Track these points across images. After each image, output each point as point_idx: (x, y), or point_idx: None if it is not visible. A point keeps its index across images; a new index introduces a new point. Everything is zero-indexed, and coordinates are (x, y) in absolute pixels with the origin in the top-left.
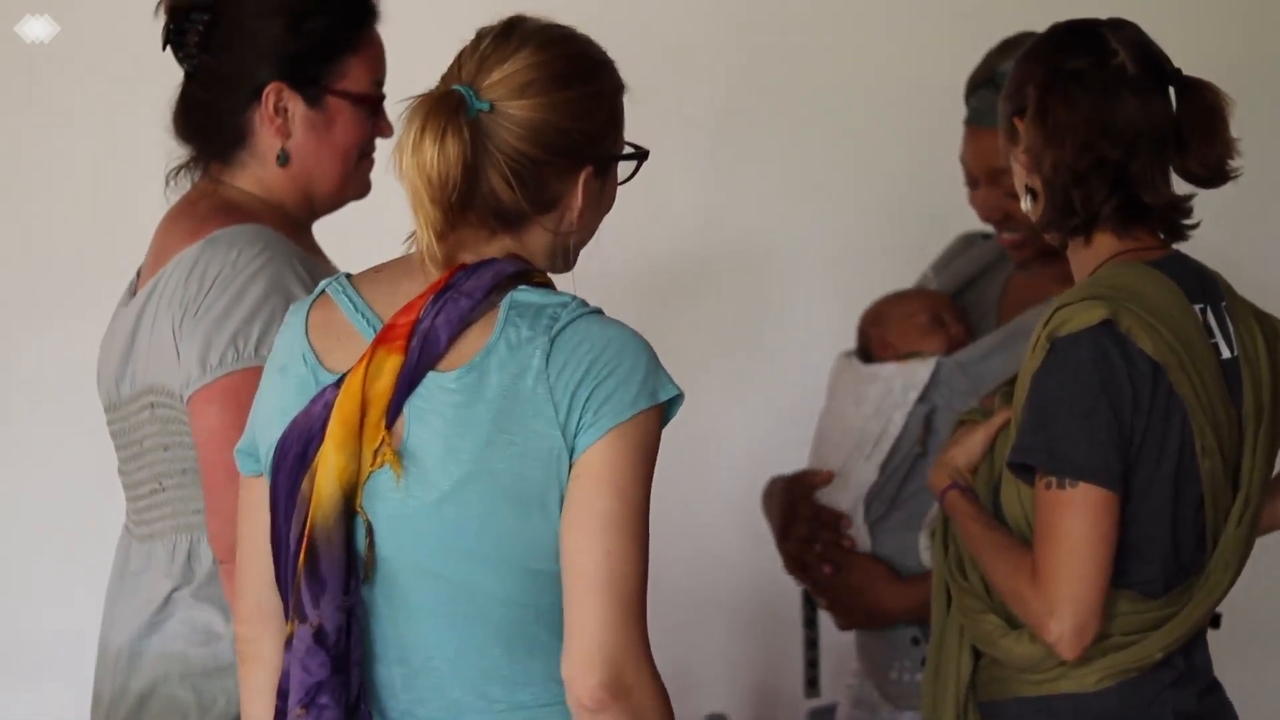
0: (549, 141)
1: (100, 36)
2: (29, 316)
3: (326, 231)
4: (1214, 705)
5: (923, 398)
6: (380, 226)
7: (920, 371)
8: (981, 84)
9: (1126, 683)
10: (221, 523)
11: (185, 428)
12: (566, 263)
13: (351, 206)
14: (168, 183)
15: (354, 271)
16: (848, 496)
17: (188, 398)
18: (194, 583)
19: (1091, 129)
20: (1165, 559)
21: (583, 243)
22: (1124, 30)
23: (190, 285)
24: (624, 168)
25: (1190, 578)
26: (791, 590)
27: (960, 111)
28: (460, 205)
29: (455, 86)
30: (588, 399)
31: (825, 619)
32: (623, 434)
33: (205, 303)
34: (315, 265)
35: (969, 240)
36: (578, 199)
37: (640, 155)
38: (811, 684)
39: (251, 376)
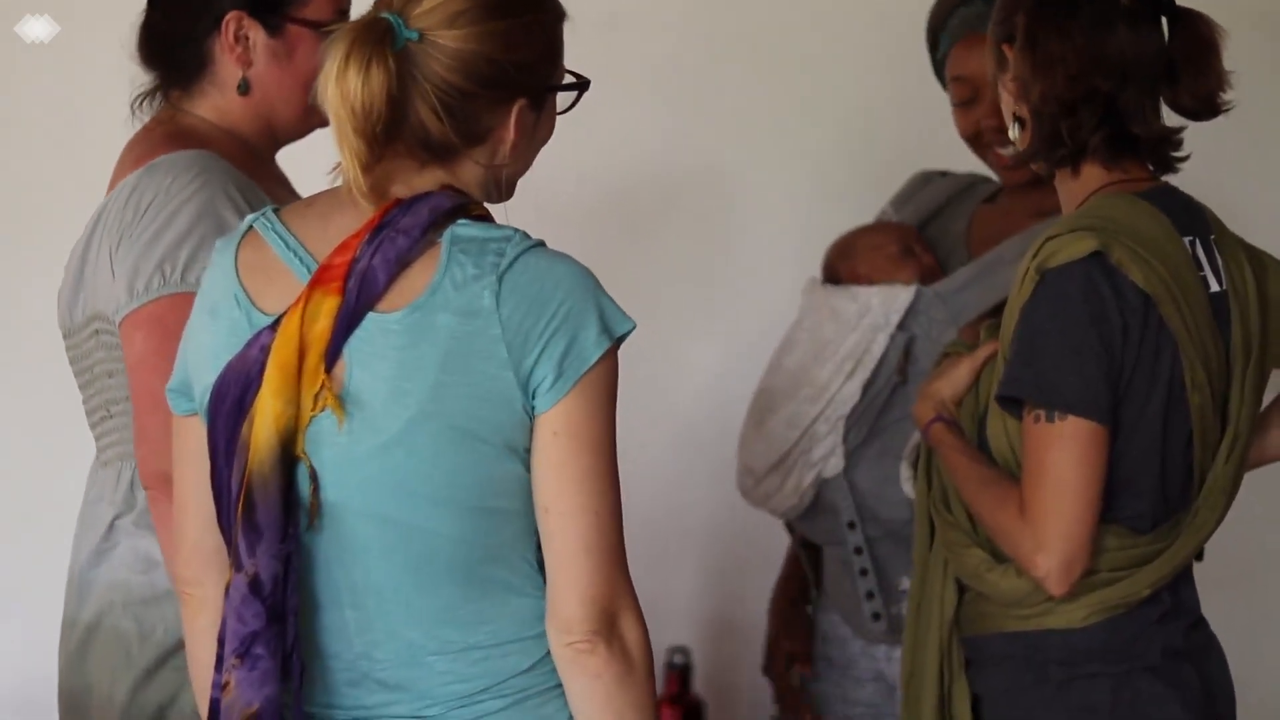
0: (480, 73)
1: (101, 37)
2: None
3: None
4: (1200, 641)
5: (902, 326)
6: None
7: (901, 296)
8: (966, 2)
9: (1114, 618)
10: (148, 448)
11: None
12: (500, 193)
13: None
14: (133, 111)
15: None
16: (830, 413)
17: (118, 323)
18: (135, 510)
19: (1083, 59)
20: (1154, 494)
21: (517, 174)
22: None
23: (127, 211)
24: (564, 98)
25: (1178, 513)
26: (753, 524)
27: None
28: (386, 136)
29: (384, 14)
30: (545, 346)
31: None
32: (590, 383)
33: (138, 229)
34: (263, 193)
35: (927, 178)
36: (510, 131)
37: (580, 85)
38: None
39: (180, 302)
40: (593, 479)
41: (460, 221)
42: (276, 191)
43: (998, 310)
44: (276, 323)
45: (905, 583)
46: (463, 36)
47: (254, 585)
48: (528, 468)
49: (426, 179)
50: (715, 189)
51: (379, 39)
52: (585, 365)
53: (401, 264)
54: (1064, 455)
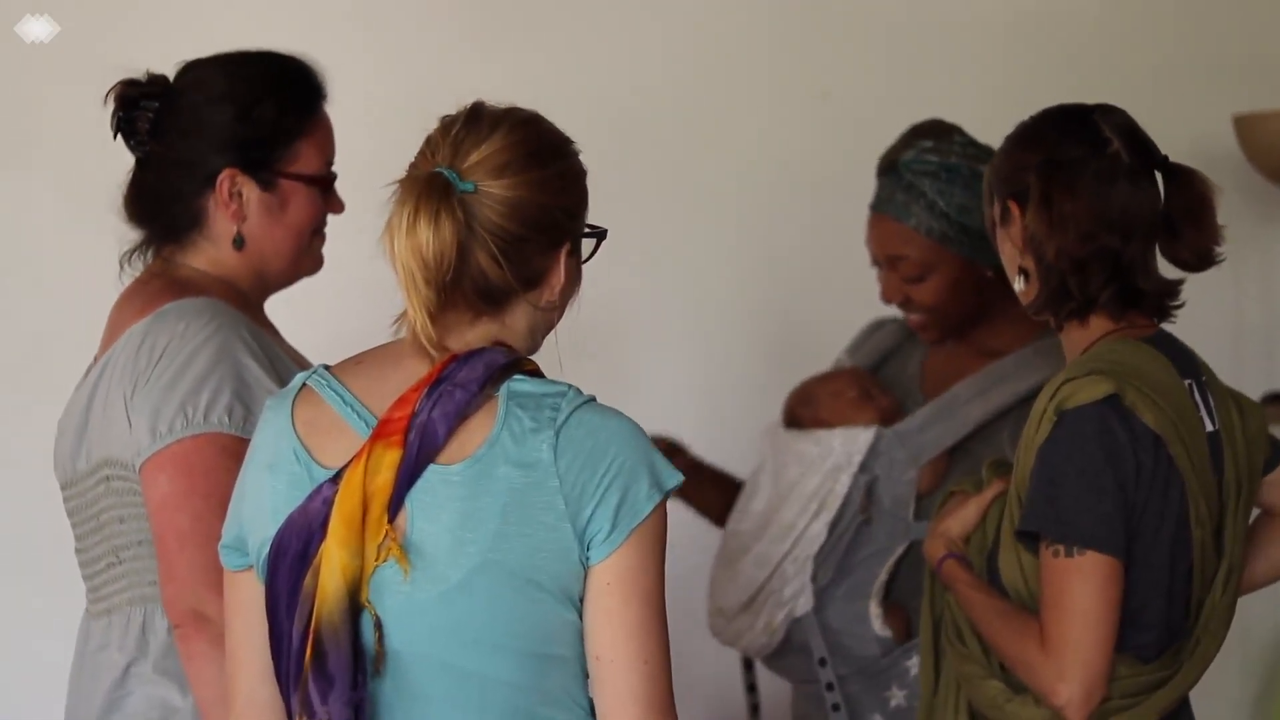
0: (531, 218)
1: (101, 37)
2: None
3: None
4: None
5: (863, 467)
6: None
7: (862, 437)
8: (884, 172)
9: None
10: (177, 588)
11: (140, 498)
12: (536, 344)
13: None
14: (122, 266)
15: (330, 361)
16: (798, 553)
17: (140, 466)
18: (150, 656)
19: (1093, 218)
20: (1159, 625)
21: (553, 324)
22: (1113, 115)
23: (141, 358)
24: (585, 248)
25: (1179, 641)
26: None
27: (825, 190)
28: (452, 285)
29: (438, 169)
30: (600, 500)
31: (765, 677)
32: (642, 535)
33: (155, 373)
34: (265, 338)
35: (879, 324)
36: (560, 276)
37: (599, 234)
38: None
39: (202, 442)
40: (644, 629)
41: (515, 377)
42: (272, 338)
43: (957, 448)
44: (337, 476)
45: (877, 718)
46: (512, 184)
47: None
48: (580, 615)
49: (479, 332)
50: (619, 322)
51: (442, 192)
52: (638, 518)
53: (460, 417)
54: (1083, 588)
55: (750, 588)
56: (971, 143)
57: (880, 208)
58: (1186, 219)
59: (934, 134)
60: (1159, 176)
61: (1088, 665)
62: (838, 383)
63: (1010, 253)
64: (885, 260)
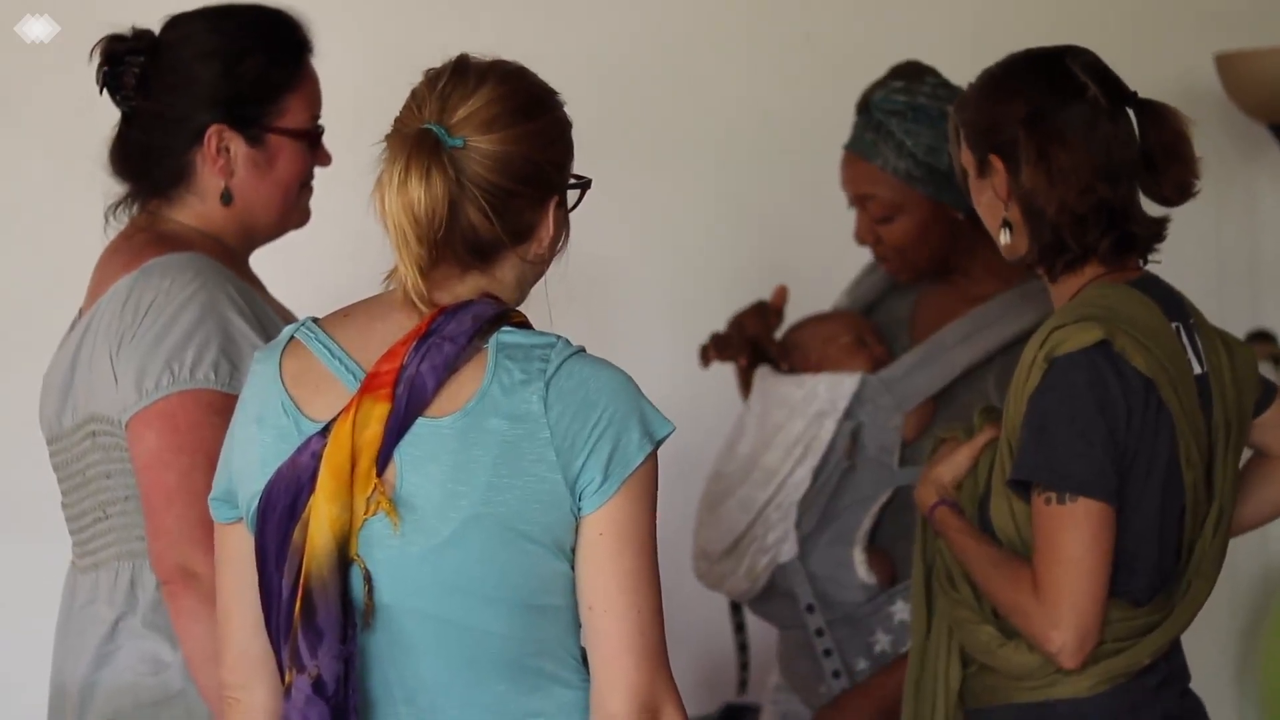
0: (519, 173)
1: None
2: None
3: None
4: (1192, 705)
5: (848, 413)
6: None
7: (847, 383)
8: (858, 112)
9: (1118, 687)
10: (164, 544)
11: (126, 454)
12: (523, 296)
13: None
14: (106, 220)
15: (317, 314)
16: (782, 499)
17: (125, 422)
18: (139, 611)
19: (1090, 171)
20: (1151, 568)
21: (540, 276)
22: (1082, 56)
23: (126, 314)
24: (570, 199)
25: (1170, 585)
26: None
27: (808, 135)
28: (443, 241)
29: (426, 125)
30: (592, 450)
31: (752, 621)
32: (634, 485)
33: (140, 329)
34: (252, 293)
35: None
36: (548, 229)
37: (584, 184)
38: (743, 685)
39: (188, 399)
40: (636, 578)
41: (504, 329)
42: (258, 293)
43: (942, 394)
44: (326, 429)
45: (861, 663)
46: (500, 139)
47: (317, 686)
48: (573, 566)
49: (468, 285)
50: (604, 273)
51: (432, 149)
52: (630, 468)
53: (449, 370)
54: (1076, 535)
55: (734, 532)
56: (943, 84)
57: (851, 146)
58: (1165, 154)
59: (906, 75)
60: (1131, 114)
61: (1081, 611)
62: (833, 327)
63: (991, 203)
64: (856, 200)
